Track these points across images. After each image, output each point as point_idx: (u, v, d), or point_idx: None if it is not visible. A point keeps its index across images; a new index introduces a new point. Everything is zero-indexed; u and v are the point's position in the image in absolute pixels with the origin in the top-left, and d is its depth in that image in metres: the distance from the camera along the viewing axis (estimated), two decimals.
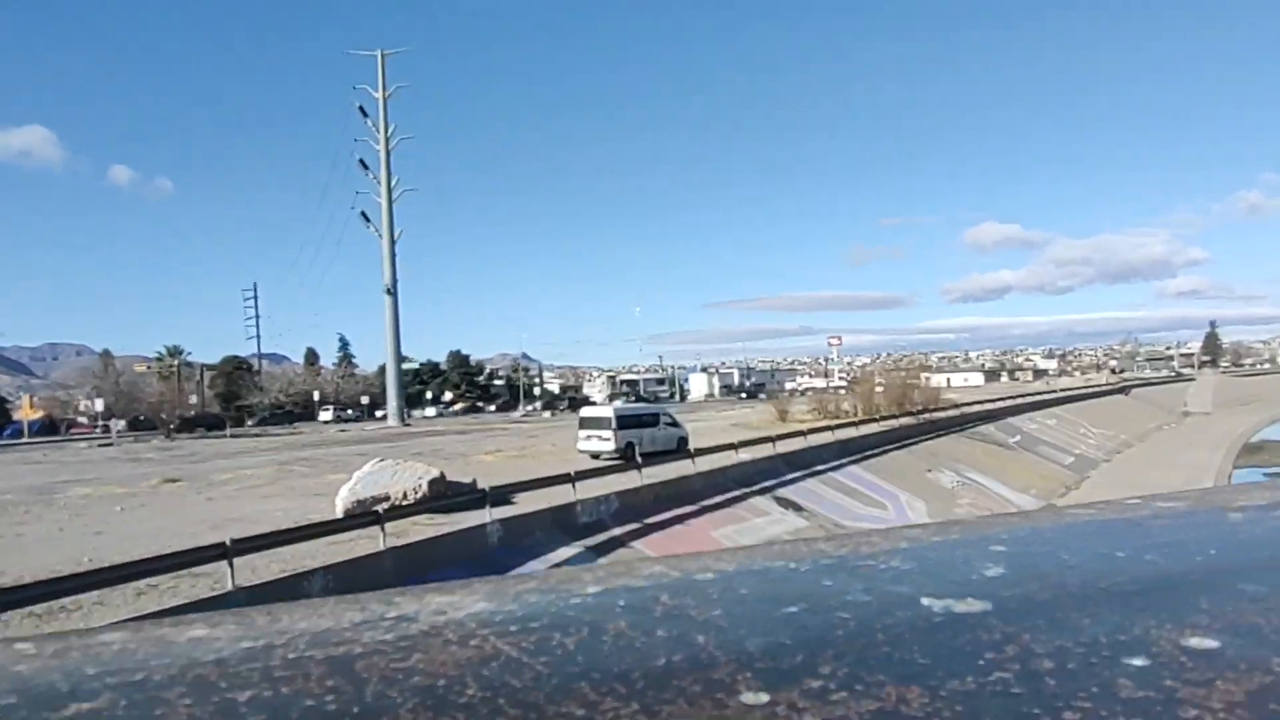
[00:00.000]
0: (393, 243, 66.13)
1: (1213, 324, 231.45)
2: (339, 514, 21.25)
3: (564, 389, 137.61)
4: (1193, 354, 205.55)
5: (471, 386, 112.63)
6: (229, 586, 15.17)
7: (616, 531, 23.52)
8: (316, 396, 75.95)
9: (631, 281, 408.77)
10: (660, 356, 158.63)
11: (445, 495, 22.02)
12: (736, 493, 29.56)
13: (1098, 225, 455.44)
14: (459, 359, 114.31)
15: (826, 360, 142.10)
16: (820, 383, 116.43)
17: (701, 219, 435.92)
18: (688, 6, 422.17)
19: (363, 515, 19.17)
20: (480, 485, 23.51)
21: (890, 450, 42.40)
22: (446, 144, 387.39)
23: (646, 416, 35.42)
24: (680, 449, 33.11)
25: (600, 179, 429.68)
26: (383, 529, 18.30)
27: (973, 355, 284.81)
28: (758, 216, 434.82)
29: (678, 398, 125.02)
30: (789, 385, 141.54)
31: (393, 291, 66.36)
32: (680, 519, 25.72)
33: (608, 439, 32.51)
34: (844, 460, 37.50)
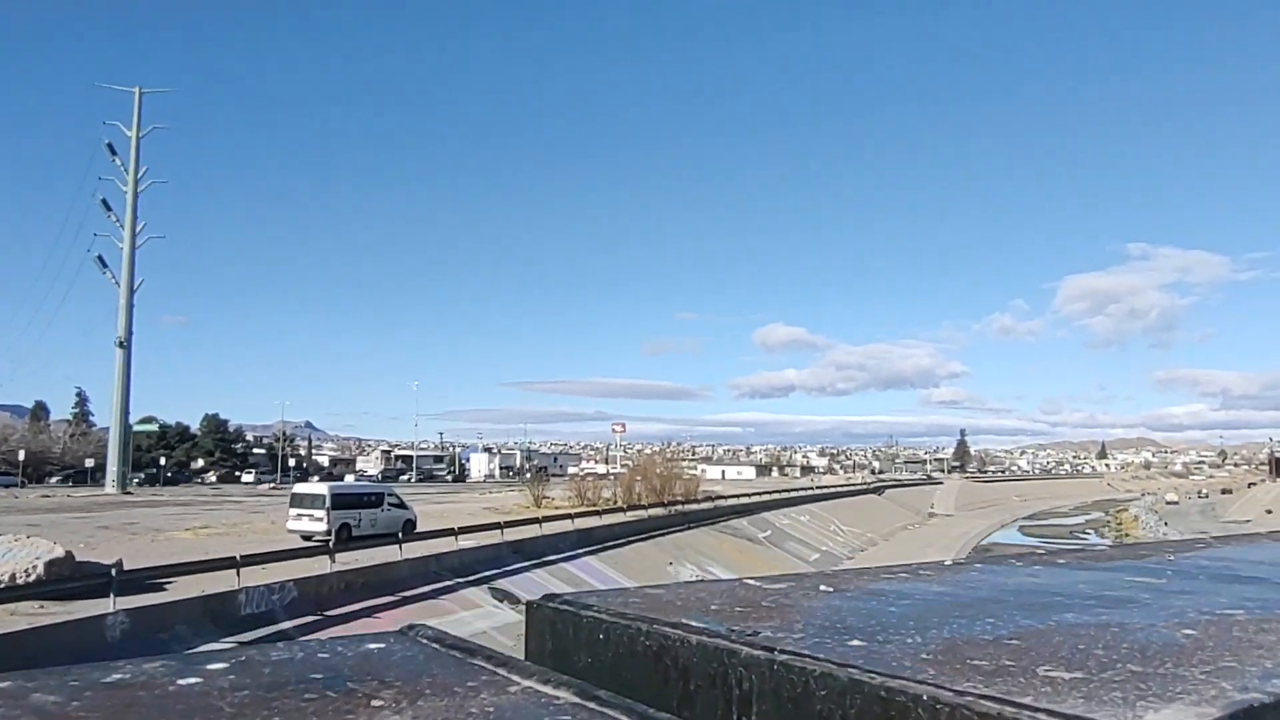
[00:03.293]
0: (131, 292, 60.10)
1: (963, 432, 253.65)
2: None
3: (335, 461, 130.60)
4: (945, 459, 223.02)
5: (227, 454, 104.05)
6: None
7: (286, 625, 20.86)
8: (21, 455, 66.78)
9: (428, 355, 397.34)
10: (441, 434, 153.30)
11: (70, 578, 18.78)
12: (449, 582, 27.49)
13: (873, 334, 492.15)
14: (215, 423, 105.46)
15: (609, 446, 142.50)
16: (603, 468, 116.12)
17: (503, 298, 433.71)
18: (498, 78, 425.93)
19: None
20: (128, 567, 20.42)
21: (635, 541, 41.54)
22: (235, 198, 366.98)
23: (369, 496, 32.99)
24: (407, 532, 31.07)
25: (396, 248, 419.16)
26: None
27: (755, 449, 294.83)
28: (560, 300, 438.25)
29: (454, 476, 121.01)
30: (572, 469, 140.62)
31: (126, 344, 59.98)
32: (371, 611, 23.32)
33: (320, 519, 29.91)
34: (581, 550, 36.21)
